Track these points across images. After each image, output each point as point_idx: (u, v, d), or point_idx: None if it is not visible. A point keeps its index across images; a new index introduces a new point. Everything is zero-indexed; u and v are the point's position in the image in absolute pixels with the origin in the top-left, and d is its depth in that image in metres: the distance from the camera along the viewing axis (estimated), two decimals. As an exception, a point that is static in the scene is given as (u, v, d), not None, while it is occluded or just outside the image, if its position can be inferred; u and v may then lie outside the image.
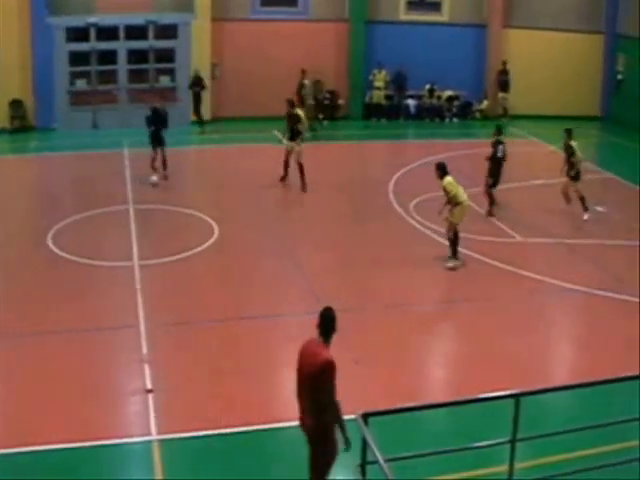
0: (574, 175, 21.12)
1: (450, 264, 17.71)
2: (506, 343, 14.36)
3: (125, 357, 13.77)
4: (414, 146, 30.66)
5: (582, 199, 21.20)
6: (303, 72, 30.56)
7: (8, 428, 11.57)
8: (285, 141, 23.79)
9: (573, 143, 21.21)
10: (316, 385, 8.81)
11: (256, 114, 30.68)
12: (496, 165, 21.26)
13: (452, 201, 17.56)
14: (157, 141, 23.96)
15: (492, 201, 21.32)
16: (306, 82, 30.49)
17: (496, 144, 21.38)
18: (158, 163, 23.95)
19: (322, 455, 9.04)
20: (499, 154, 21.27)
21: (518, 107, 34.43)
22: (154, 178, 22.98)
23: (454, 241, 17.82)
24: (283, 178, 23.63)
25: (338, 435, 8.95)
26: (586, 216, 21.12)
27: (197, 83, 30.96)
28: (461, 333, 15.31)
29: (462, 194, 17.70)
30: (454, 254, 17.84)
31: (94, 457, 10.96)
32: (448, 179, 17.55)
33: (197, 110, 31.12)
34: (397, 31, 34.20)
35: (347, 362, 13.46)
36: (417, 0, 34.66)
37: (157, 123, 23.90)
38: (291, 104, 23.77)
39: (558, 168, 21.60)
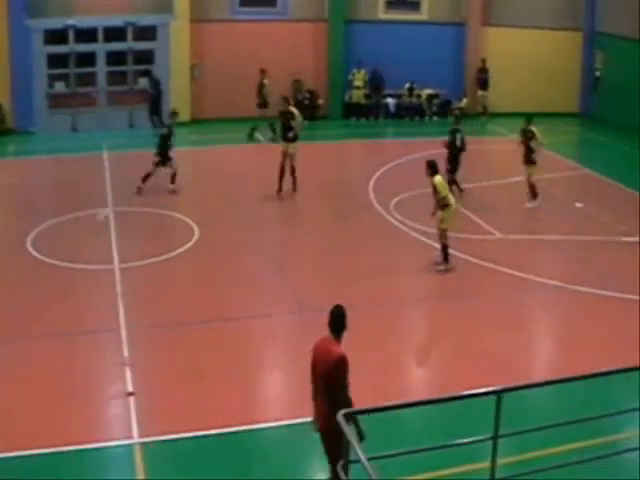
0: (533, 160, 21.65)
1: (442, 267, 17.63)
2: (488, 340, 14.41)
3: (106, 360, 13.74)
4: (394, 145, 30.74)
5: (532, 187, 21.70)
6: (262, 71, 30.08)
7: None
8: (281, 142, 23.54)
9: (533, 128, 21.74)
10: (331, 381, 8.99)
11: (236, 115, 30.60)
12: (454, 153, 21.79)
13: (440, 202, 17.32)
14: (167, 158, 23.41)
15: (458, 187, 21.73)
16: (266, 82, 29.99)
17: (454, 132, 21.96)
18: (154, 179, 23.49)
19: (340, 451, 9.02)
20: (457, 143, 21.80)
21: (497, 105, 34.51)
22: (102, 214, 20.87)
23: (445, 246, 17.67)
24: (280, 190, 22.84)
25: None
26: (530, 205, 21.56)
27: (154, 86, 30.97)
28: (443, 331, 15.38)
29: (451, 197, 17.63)
30: (445, 258, 17.69)
31: (76, 461, 10.94)
32: (438, 178, 17.35)
33: (153, 112, 31.19)
34: (376, 30, 34.23)
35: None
36: (396, 0, 34.73)
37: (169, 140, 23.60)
38: (286, 101, 23.65)
39: (537, 165, 21.69)
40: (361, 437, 9.04)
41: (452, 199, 17.58)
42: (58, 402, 12.32)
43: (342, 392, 8.99)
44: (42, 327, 14.87)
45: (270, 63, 31.98)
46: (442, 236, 17.55)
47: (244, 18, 33.34)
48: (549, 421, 9.84)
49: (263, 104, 29.55)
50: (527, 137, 21.67)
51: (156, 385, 12.90)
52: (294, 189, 22.91)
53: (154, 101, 31.27)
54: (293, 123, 23.11)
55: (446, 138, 22.05)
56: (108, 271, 17.34)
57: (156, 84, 31.31)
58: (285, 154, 22.88)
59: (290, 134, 22.94)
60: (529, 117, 22.15)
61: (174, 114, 24.40)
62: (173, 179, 22.98)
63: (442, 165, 20.82)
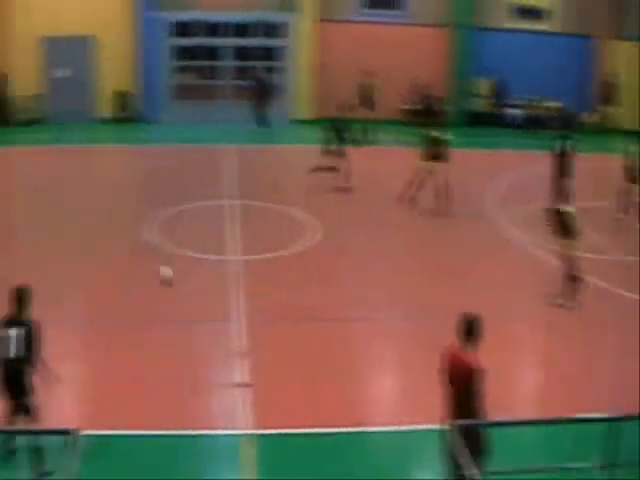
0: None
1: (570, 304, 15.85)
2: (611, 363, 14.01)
3: (223, 349, 13.89)
4: (516, 156, 30.31)
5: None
6: (369, 74, 29.73)
7: (103, 413, 11.75)
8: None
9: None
10: (467, 391, 8.89)
11: (358, 116, 30.65)
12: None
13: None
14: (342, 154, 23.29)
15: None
16: (371, 83, 29.61)
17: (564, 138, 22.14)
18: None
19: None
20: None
21: (626, 121, 33.77)
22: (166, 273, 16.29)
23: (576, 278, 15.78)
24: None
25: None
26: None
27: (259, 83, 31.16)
28: (565, 348, 14.90)
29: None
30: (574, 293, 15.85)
31: (187, 446, 11.12)
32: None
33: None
34: (502, 39, 33.86)
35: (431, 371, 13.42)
36: (522, 8, 34.30)
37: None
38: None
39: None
40: (485, 451, 8.92)
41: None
42: (174, 387, 12.54)
43: (476, 403, 8.89)
44: (163, 313, 15.19)
45: (393, 66, 32.09)
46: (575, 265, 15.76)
47: (370, 20, 33.41)
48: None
49: (370, 105, 29.16)
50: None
51: (271, 378, 12.96)
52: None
53: (259, 99, 31.32)
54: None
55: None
56: (230, 262, 17.57)
57: (260, 82, 31.36)
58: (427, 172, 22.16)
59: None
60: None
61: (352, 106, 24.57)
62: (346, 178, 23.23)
63: (586, 192, 20.51)
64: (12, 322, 9.93)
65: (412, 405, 12.45)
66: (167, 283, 11.35)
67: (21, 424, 10.02)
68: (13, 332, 9.84)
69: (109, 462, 10.48)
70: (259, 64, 32.74)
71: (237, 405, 12.12)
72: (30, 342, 9.87)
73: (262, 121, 30.87)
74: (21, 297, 10.05)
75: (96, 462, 9.97)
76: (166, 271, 11.41)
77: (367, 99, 29.64)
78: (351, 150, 23.72)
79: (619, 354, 14.02)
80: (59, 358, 12.23)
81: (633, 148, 21.41)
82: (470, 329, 9.05)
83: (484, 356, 9.02)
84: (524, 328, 15.48)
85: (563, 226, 15.58)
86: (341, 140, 23.23)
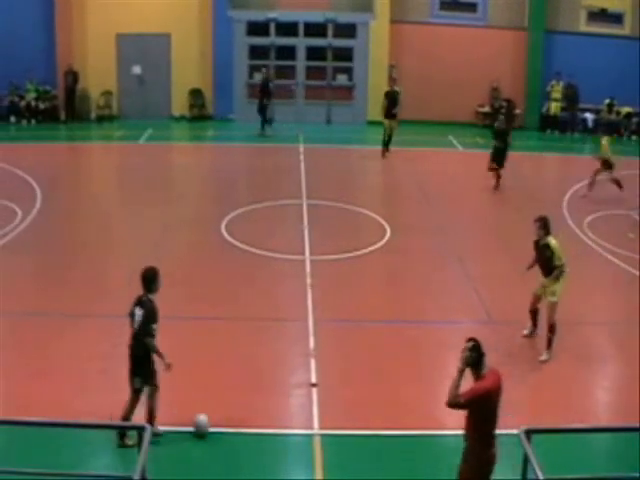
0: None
1: (545, 357, 14.01)
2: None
3: (292, 349, 14.00)
4: (589, 161, 29.98)
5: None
6: (393, 80, 28.67)
7: (172, 407, 11.83)
8: None
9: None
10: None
11: (430, 118, 30.64)
12: None
13: (556, 271, 13.98)
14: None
15: None
16: (397, 89, 28.09)
17: None
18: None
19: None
20: None
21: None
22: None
23: (554, 328, 13.98)
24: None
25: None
26: None
27: (261, 88, 30.35)
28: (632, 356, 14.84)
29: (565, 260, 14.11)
30: (549, 343, 14.06)
31: (257, 444, 11.22)
32: (553, 240, 14.10)
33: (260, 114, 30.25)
34: (577, 42, 33.45)
35: (516, 377, 13.37)
36: (599, 12, 33.86)
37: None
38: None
39: None
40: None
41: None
42: (242, 384, 12.65)
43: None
44: (232, 310, 15.34)
45: (467, 68, 31.94)
46: (552, 312, 13.99)
47: (443, 22, 33.26)
48: None
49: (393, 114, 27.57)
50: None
51: (339, 379, 13.01)
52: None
53: (260, 102, 30.28)
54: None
55: None
56: (299, 262, 17.68)
57: (264, 81, 30.58)
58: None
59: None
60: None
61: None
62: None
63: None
64: (138, 301, 10.91)
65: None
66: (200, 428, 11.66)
67: (146, 395, 10.96)
68: (138, 312, 10.81)
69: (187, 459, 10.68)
70: (332, 64, 32.79)
71: (305, 405, 12.18)
72: (147, 319, 10.73)
73: (263, 122, 30.29)
74: (144, 278, 10.95)
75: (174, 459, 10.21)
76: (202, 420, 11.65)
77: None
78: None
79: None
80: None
81: None
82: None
83: None
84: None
85: None
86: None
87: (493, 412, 8.68)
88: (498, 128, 24.19)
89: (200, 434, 11.19)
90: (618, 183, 22.91)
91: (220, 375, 12.98)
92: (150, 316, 10.77)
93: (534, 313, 14.53)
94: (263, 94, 29.93)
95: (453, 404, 8.66)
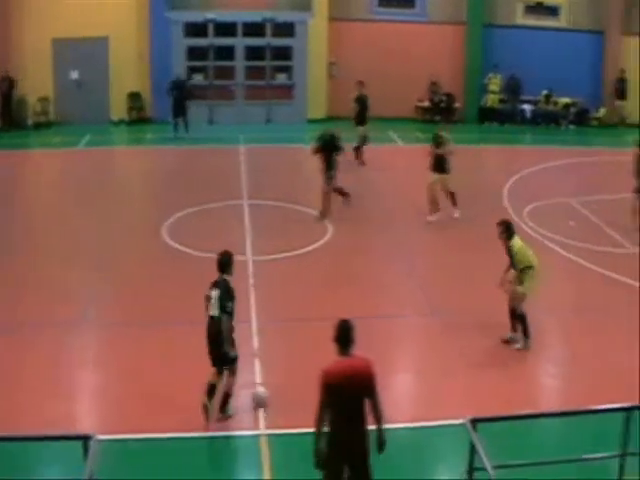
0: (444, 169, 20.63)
1: (518, 345, 14.30)
2: (623, 356, 14.05)
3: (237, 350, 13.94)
4: (529, 152, 30.24)
5: (452, 194, 20.81)
6: (361, 83, 27.17)
7: (120, 414, 11.86)
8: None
9: (444, 134, 20.99)
10: (370, 394, 8.84)
11: (371, 114, 30.60)
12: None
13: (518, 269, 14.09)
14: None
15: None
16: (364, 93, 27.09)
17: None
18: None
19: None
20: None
21: (636, 115, 33.68)
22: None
23: (523, 317, 14.27)
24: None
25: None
26: (456, 213, 20.78)
27: (177, 87, 30.17)
28: (573, 344, 15.05)
29: (534, 257, 14.20)
30: (525, 331, 14.30)
31: (203, 447, 11.23)
32: (518, 243, 14.12)
33: (177, 114, 30.07)
34: (514, 35, 33.85)
35: (462, 367, 13.48)
36: (535, 5, 34.21)
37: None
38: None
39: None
40: (382, 448, 9.04)
41: (534, 259, 14.19)
42: (188, 388, 12.51)
43: (379, 397, 8.88)
44: (174, 313, 15.22)
45: (406, 64, 32.10)
46: (519, 302, 14.23)
47: (382, 18, 33.44)
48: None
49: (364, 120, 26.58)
50: (437, 144, 20.78)
51: (284, 378, 13.00)
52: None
53: (176, 103, 30.03)
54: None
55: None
56: (241, 262, 17.52)
57: (178, 86, 30.27)
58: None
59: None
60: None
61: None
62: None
63: (600, 186, 20.43)
64: (214, 283, 11.72)
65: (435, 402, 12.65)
66: (260, 403, 12.05)
67: (225, 377, 11.74)
68: (214, 293, 11.58)
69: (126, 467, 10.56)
70: (271, 64, 32.75)
71: (250, 405, 12.14)
72: (223, 301, 11.46)
73: (176, 126, 30.09)
74: (220, 261, 11.93)
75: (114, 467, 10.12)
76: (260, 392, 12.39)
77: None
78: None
79: None
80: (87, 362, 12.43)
81: None
82: (345, 335, 8.85)
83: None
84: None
85: None
86: None
87: (340, 398, 8.73)
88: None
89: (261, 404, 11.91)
90: None
91: (163, 380, 12.87)
92: (226, 293, 11.52)
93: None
94: (184, 95, 29.95)
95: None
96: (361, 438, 8.88)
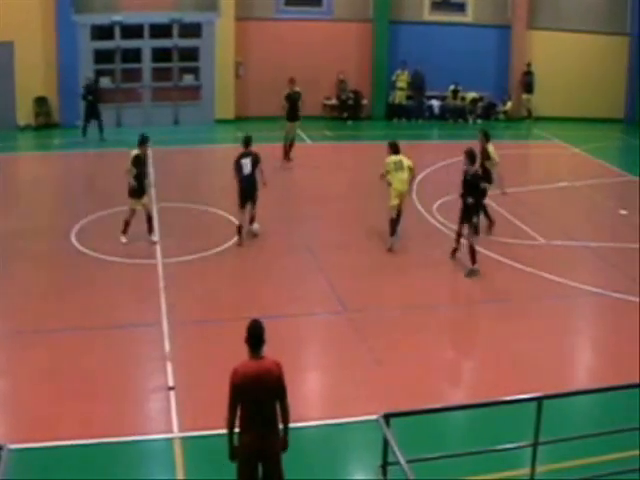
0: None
1: (389, 244, 18.75)
2: (526, 346, 14.32)
3: (147, 354, 13.88)
4: (437, 147, 30.61)
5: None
6: (292, 81, 26.88)
7: (28, 423, 11.66)
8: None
9: (490, 147, 19.80)
10: (279, 394, 8.88)
11: (279, 113, 30.59)
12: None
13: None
14: None
15: None
16: (297, 90, 26.83)
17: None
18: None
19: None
20: None
21: (542, 109, 34.33)
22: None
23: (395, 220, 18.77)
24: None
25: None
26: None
27: (90, 92, 29.77)
28: (480, 335, 15.32)
29: (396, 179, 18.62)
30: (393, 232, 18.80)
31: (115, 453, 11.05)
32: (392, 158, 18.89)
33: (89, 118, 29.68)
34: (421, 31, 34.20)
35: (369, 363, 13.58)
36: (441, 1, 34.58)
37: None
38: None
39: (582, 171, 21.49)
40: (285, 447, 9.11)
41: (399, 185, 18.62)
42: (99, 394, 12.46)
43: (287, 399, 8.95)
44: (85, 319, 15.02)
45: (314, 62, 32.20)
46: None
47: (289, 17, 33.44)
48: (589, 429, 9.84)
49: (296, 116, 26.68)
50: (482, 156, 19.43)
51: (196, 380, 12.95)
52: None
53: (90, 107, 29.65)
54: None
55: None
56: (151, 265, 17.49)
57: (90, 89, 29.83)
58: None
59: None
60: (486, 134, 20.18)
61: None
62: None
63: (508, 180, 20.53)
64: (244, 154, 18.75)
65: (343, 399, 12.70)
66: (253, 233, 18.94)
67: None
68: (245, 159, 18.59)
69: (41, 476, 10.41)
70: (178, 65, 32.52)
71: (163, 409, 12.10)
72: (254, 165, 18.57)
73: (85, 129, 29.72)
74: (245, 140, 19.07)
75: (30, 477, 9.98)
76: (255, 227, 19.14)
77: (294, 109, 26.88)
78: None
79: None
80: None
81: None
82: (255, 336, 8.89)
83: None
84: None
85: None
86: None
87: (248, 398, 8.78)
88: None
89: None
90: None
91: (74, 386, 12.71)
92: (257, 159, 18.68)
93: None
94: (96, 98, 29.67)
95: None
96: (271, 438, 8.91)
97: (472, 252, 17.23)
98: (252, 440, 8.83)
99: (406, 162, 18.84)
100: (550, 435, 9.07)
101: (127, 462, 10.88)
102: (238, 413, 8.79)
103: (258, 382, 8.73)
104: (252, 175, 18.53)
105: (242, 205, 18.65)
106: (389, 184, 18.62)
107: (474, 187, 17.38)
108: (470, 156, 17.50)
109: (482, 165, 19.07)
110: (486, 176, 19.01)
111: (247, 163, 18.42)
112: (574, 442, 9.54)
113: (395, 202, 18.56)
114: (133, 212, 18.84)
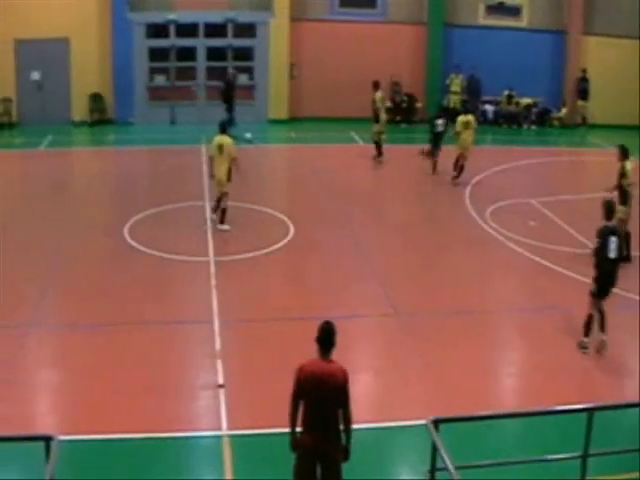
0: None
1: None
2: (579, 355, 14.14)
3: (198, 351, 13.89)
4: (491, 152, 30.34)
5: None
6: (376, 85, 27.59)
7: (80, 416, 11.75)
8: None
9: (628, 165, 18.14)
10: (343, 400, 8.77)
11: (332, 114, 30.71)
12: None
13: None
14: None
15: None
16: (379, 95, 27.59)
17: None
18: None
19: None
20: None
21: (597, 116, 33.97)
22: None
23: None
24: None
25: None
26: None
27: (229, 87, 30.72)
28: (534, 343, 15.12)
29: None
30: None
31: (165, 448, 11.10)
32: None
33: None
34: (476, 35, 34.03)
35: (420, 367, 13.52)
36: (496, 5, 34.38)
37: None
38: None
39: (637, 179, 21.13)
40: (346, 457, 9.00)
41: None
42: (150, 389, 12.50)
43: (350, 407, 8.83)
44: (137, 315, 15.15)
45: (367, 64, 32.17)
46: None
47: (343, 19, 33.47)
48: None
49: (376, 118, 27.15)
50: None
51: (246, 379, 12.96)
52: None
53: (225, 99, 30.98)
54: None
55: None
56: (203, 263, 17.56)
57: (226, 82, 31.03)
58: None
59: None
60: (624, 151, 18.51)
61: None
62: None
63: (559, 187, 20.56)
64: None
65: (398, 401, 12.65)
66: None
67: None
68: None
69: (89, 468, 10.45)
70: (233, 64, 32.67)
71: (212, 406, 12.11)
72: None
73: (229, 122, 30.47)
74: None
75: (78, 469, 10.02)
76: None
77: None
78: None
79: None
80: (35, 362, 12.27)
81: None
82: (326, 337, 8.83)
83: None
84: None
85: None
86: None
87: (311, 398, 8.77)
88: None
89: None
90: None
91: (126, 381, 12.76)
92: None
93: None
94: (227, 94, 30.44)
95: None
96: (332, 443, 8.87)
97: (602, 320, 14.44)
98: (312, 441, 8.82)
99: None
100: (601, 447, 8.96)
101: (175, 458, 10.91)
102: (300, 409, 8.82)
103: (321, 384, 8.70)
104: None
105: None
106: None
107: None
108: (607, 209, 14.11)
109: (619, 185, 17.82)
110: (623, 196, 17.63)
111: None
112: (626, 455, 9.42)
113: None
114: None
